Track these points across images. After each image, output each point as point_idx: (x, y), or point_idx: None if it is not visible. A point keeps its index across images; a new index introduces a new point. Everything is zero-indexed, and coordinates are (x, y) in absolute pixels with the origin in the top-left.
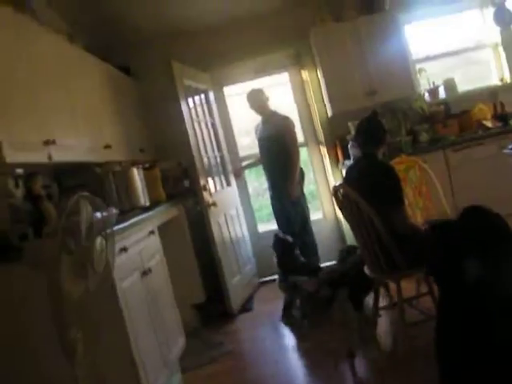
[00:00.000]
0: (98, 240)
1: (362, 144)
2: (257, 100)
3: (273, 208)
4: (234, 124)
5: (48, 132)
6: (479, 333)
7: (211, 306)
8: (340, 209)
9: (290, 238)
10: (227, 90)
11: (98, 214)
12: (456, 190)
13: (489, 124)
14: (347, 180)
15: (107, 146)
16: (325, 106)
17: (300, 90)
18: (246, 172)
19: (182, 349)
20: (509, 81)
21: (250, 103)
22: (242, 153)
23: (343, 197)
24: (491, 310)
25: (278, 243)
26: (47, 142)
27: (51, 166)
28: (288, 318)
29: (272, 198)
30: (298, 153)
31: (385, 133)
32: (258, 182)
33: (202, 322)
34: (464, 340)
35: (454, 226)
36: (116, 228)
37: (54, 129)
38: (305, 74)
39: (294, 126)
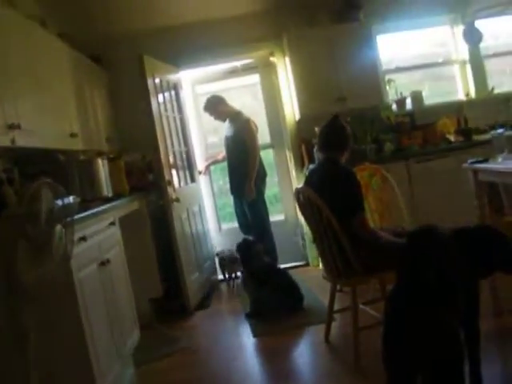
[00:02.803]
0: (58, 228)
1: (324, 148)
2: (213, 110)
3: (234, 208)
4: (202, 122)
5: (12, 116)
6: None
7: (168, 302)
8: (301, 211)
9: (250, 238)
10: (198, 89)
11: (59, 202)
12: (416, 200)
13: (452, 138)
14: (309, 183)
15: (73, 135)
16: (293, 109)
17: (270, 92)
18: (212, 170)
19: (136, 342)
20: (474, 97)
21: (208, 113)
22: (209, 151)
23: (305, 199)
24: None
25: (241, 244)
26: (11, 126)
27: (14, 150)
28: (257, 311)
29: (233, 197)
30: (256, 156)
31: (347, 138)
32: (222, 181)
33: (159, 317)
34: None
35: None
36: (76, 217)
37: (19, 113)
38: (275, 77)
39: (255, 128)
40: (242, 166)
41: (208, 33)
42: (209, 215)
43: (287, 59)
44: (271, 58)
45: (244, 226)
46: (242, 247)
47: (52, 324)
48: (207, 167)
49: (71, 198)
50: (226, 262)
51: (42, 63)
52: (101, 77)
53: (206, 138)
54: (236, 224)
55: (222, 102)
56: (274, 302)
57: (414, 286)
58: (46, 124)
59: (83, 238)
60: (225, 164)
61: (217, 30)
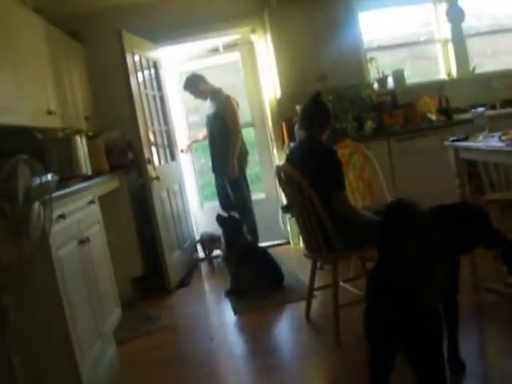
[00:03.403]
0: (36, 206)
1: (306, 126)
2: (193, 89)
3: (216, 186)
4: (183, 100)
5: None
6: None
7: (149, 280)
8: (282, 189)
9: (236, 215)
10: (178, 68)
11: (37, 179)
12: (397, 178)
13: (433, 117)
14: (290, 161)
15: (50, 112)
16: (274, 87)
17: (251, 70)
18: (193, 149)
19: (117, 321)
20: (455, 76)
21: (188, 91)
22: (191, 130)
23: (286, 177)
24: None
25: (225, 221)
26: None
27: None
28: (238, 289)
29: (215, 175)
30: (237, 134)
31: (329, 116)
32: (204, 159)
33: (139, 296)
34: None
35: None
36: (55, 195)
37: None
38: (257, 54)
39: (235, 106)
40: (224, 144)
41: (187, 8)
42: (191, 194)
43: (268, 37)
44: (252, 36)
45: (225, 204)
46: (228, 224)
47: (31, 304)
48: (189, 146)
49: (49, 176)
50: (206, 241)
51: (19, 39)
52: (79, 54)
53: (187, 116)
54: (218, 203)
55: (201, 80)
56: (254, 280)
57: (393, 261)
58: (23, 101)
59: (62, 216)
60: (206, 143)
61: (197, 5)
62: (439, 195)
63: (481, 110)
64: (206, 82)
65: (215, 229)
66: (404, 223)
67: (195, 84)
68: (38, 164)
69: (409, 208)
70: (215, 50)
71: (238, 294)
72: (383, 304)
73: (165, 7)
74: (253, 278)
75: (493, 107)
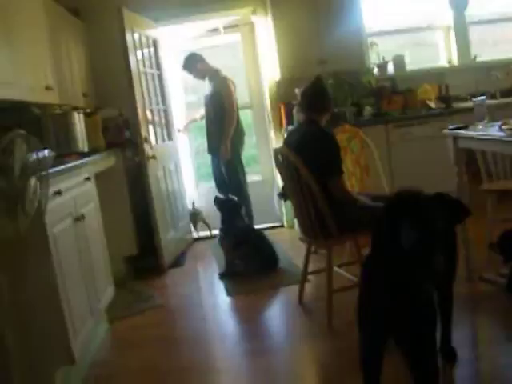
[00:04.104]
0: (32, 181)
1: (305, 109)
2: (192, 68)
3: (211, 167)
4: (182, 79)
5: None
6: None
7: (143, 259)
8: (279, 171)
9: (234, 198)
10: (177, 47)
11: (34, 155)
12: (394, 165)
13: (432, 104)
14: (288, 143)
15: (48, 88)
16: (274, 69)
17: (250, 52)
18: (190, 129)
19: (110, 298)
20: (456, 64)
21: (187, 71)
22: (187, 110)
23: (283, 160)
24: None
25: (223, 203)
26: None
27: None
28: (232, 271)
29: (211, 156)
30: (232, 115)
31: (329, 100)
32: (200, 140)
33: (133, 275)
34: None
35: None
36: (51, 171)
37: None
38: (257, 36)
39: (232, 86)
40: (219, 125)
41: None
42: (186, 174)
43: (269, 18)
44: (253, 17)
45: (221, 185)
46: (225, 206)
47: (25, 281)
48: (186, 126)
49: (46, 152)
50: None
51: (17, 13)
52: (78, 30)
53: (185, 96)
54: (213, 184)
55: (199, 60)
56: (249, 263)
57: (391, 250)
58: (21, 76)
59: (58, 192)
60: (202, 123)
61: None
62: (436, 183)
63: (482, 98)
64: (205, 62)
65: (210, 209)
66: (410, 212)
67: (193, 64)
68: (35, 140)
69: (415, 197)
70: (215, 30)
71: (232, 276)
72: (377, 292)
73: None
74: (248, 260)
75: (493, 96)
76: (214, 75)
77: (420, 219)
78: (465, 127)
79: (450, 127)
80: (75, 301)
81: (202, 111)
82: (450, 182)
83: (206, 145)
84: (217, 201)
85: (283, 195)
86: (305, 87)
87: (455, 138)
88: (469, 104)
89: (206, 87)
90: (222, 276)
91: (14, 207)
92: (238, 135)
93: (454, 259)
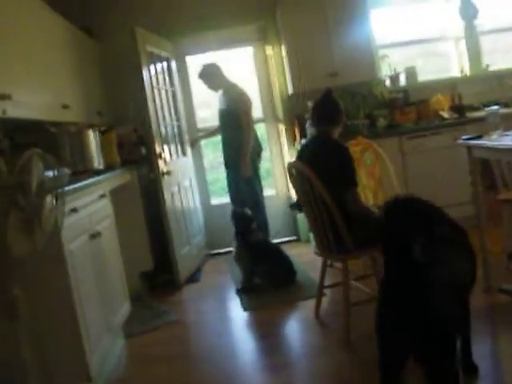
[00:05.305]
0: (48, 198)
1: (317, 122)
2: (209, 78)
3: (227, 182)
4: (194, 95)
5: (3, 86)
6: (417, 312)
7: (158, 275)
8: (293, 186)
9: (248, 212)
10: (190, 60)
11: (50, 173)
12: (408, 176)
13: (445, 115)
14: (301, 157)
15: (65, 106)
16: (286, 83)
17: (263, 65)
18: (203, 144)
19: (126, 315)
20: (468, 74)
21: (202, 80)
22: (200, 125)
23: (297, 174)
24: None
25: (239, 217)
26: (2, 97)
27: (4, 121)
28: (250, 285)
29: (226, 172)
30: (250, 133)
31: (340, 112)
32: (213, 155)
33: (148, 291)
34: (403, 319)
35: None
36: (67, 188)
37: (11, 84)
38: (269, 50)
39: (249, 102)
40: (236, 141)
41: (200, 5)
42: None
43: (281, 32)
44: (264, 31)
45: (235, 199)
46: (240, 220)
47: (42, 296)
48: (196, 141)
49: (62, 169)
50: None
51: (34, 33)
52: (92, 48)
53: (196, 111)
54: (226, 199)
55: (218, 71)
56: (267, 278)
57: (402, 264)
58: (38, 95)
59: (74, 210)
60: (217, 139)
61: (210, 2)
62: (451, 193)
63: (496, 108)
64: (223, 75)
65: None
66: (405, 222)
67: (211, 74)
68: (51, 158)
69: (409, 205)
70: (228, 44)
71: (250, 292)
72: (395, 310)
73: (178, 1)
74: (268, 276)
75: (506, 105)
76: (230, 89)
77: (422, 226)
78: (479, 137)
79: (464, 137)
80: (91, 317)
81: (215, 125)
82: (464, 193)
83: (217, 160)
84: (234, 214)
85: (296, 206)
86: (315, 100)
87: (469, 148)
88: (482, 113)
89: (219, 100)
90: (240, 292)
91: (32, 224)
92: (255, 150)
93: (472, 270)
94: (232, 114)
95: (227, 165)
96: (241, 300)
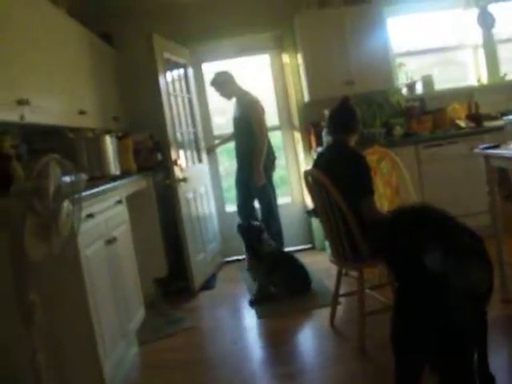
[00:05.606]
0: (65, 204)
1: (333, 131)
2: (221, 86)
3: (236, 191)
4: (210, 102)
5: (22, 92)
6: (434, 322)
7: (173, 282)
8: (309, 194)
9: (256, 223)
10: (206, 67)
11: (67, 178)
12: (425, 185)
13: (462, 124)
14: (317, 165)
15: (82, 112)
16: (302, 91)
17: (279, 73)
18: (219, 151)
19: (141, 321)
20: (485, 82)
21: (215, 88)
22: (216, 132)
23: (313, 182)
24: (446, 302)
25: (245, 230)
26: (21, 102)
27: (22, 126)
28: (263, 295)
29: (238, 179)
30: (263, 142)
31: (357, 121)
32: (229, 163)
33: (163, 297)
34: (419, 330)
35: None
36: (84, 194)
37: (29, 89)
38: (285, 58)
39: (262, 110)
40: (249, 149)
41: (218, 12)
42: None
43: (298, 41)
44: (281, 39)
45: (243, 211)
46: (248, 232)
47: (58, 302)
48: (212, 148)
49: (79, 175)
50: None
51: (52, 39)
52: (109, 55)
53: (212, 118)
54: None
55: (231, 79)
56: (282, 287)
57: (417, 274)
58: (55, 100)
59: (91, 215)
60: (232, 146)
61: (227, 9)
62: (468, 203)
63: None
64: (235, 82)
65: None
66: (414, 228)
67: (224, 82)
68: (68, 163)
69: (418, 215)
70: (244, 51)
71: (262, 303)
72: (411, 318)
73: (195, 10)
74: (280, 284)
75: None
76: (243, 97)
77: (430, 237)
78: (496, 146)
79: (481, 146)
80: (106, 322)
81: (230, 132)
82: (481, 202)
83: (232, 167)
84: (240, 228)
85: (313, 212)
86: (332, 109)
87: (487, 157)
88: (499, 122)
89: (233, 108)
90: (253, 303)
91: (48, 229)
92: (269, 158)
93: (489, 280)
94: (245, 121)
95: (240, 172)
96: (255, 308)
